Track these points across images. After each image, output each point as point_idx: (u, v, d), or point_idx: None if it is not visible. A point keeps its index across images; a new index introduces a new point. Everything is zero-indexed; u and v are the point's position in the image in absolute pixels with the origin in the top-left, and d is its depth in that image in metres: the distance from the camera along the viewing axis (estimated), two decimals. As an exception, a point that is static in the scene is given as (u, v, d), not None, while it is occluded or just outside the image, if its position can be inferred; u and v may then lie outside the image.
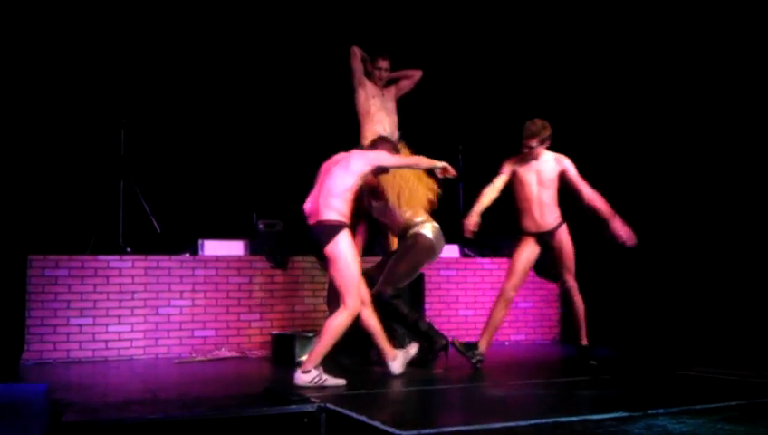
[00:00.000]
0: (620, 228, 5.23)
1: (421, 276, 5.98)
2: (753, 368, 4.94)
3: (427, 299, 6.42)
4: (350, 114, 6.30)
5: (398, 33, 7.54)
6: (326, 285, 6.27)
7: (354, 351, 5.68)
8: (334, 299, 5.97)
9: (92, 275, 6.05)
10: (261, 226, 6.84)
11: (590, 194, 5.34)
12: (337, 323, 4.51)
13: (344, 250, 4.56)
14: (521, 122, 5.33)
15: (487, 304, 7.33)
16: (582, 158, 5.58)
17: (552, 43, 7.62)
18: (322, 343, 4.50)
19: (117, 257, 6.20)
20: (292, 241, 6.90)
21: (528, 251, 5.45)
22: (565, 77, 7.55)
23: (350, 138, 6.18)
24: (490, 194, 5.39)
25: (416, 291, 5.91)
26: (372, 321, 4.90)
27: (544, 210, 5.42)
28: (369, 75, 6.22)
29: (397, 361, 4.96)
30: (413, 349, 5.09)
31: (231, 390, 4.51)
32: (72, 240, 6.41)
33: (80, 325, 5.97)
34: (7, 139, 6.29)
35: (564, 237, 5.47)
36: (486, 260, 7.46)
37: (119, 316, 6.07)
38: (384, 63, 6.14)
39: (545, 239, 5.45)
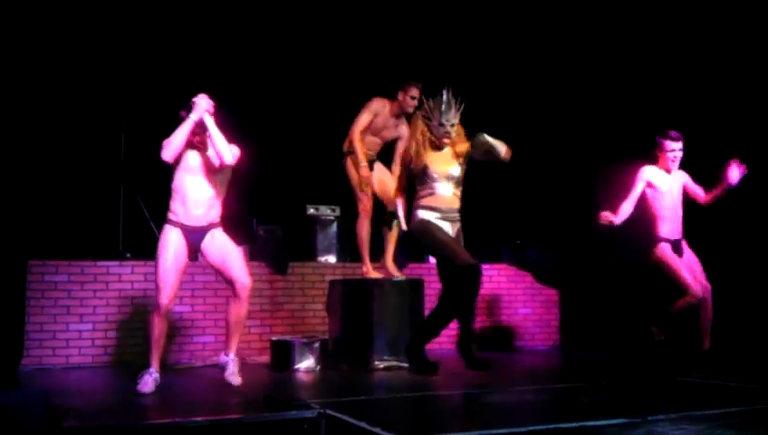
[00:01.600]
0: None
1: (420, 283, 5.98)
2: (753, 375, 4.94)
3: (426, 305, 6.40)
4: (349, 118, 6.31)
5: (391, 41, 7.57)
6: (325, 292, 6.27)
7: (354, 357, 5.68)
8: (330, 306, 5.99)
9: (92, 280, 6.05)
10: (261, 231, 6.84)
11: None
12: (148, 321, 4.65)
13: (158, 246, 4.63)
14: (514, 127, 5.30)
15: (486, 310, 7.33)
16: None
17: (545, 47, 7.64)
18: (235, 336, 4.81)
19: (117, 263, 6.20)
20: (291, 247, 6.91)
21: None
22: (555, 80, 7.58)
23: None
24: None
25: (415, 297, 5.90)
26: (233, 317, 4.84)
27: None
28: (394, 101, 5.94)
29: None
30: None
31: (230, 396, 4.51)
32: (71, 246, 6.40)
33: (79, 331, 5.96)
34: (7, 144, 6.30)
35: None
36: (485, 266, 7.44)
37: (118, 322, 6.07)
38: (417, 92, 5.81)
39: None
